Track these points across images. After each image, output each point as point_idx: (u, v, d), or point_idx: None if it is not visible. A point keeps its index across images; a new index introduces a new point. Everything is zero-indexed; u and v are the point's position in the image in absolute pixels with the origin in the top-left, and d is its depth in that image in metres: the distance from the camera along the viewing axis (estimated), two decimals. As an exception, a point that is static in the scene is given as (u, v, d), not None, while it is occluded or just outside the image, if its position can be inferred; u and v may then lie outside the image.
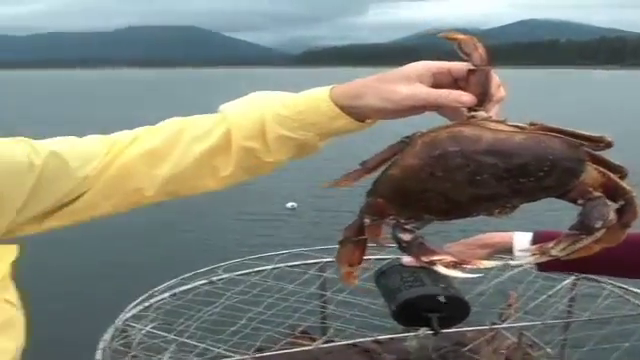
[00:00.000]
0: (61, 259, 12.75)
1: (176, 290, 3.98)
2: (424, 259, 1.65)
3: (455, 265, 1.64)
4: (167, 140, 1.89)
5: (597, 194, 1.61)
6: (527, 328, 3.39)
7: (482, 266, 1.64)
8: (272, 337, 3.64)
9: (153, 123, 1.95)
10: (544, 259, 1.65)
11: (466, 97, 1.65)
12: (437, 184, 1.61)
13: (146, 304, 3.86)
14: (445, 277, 2.91)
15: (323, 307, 4.08)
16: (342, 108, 1.74)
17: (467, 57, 1.68)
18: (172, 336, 3.61)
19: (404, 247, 1.72)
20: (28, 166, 1.83)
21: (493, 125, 1.62)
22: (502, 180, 1.58)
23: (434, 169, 1.60)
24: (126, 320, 3.72)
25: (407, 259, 2.92)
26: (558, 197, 1.67)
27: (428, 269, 2.88)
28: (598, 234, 1.59)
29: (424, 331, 3.47)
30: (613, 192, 1.63)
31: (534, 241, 2.98)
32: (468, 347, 3.46)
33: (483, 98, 1.67)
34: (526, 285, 3.78)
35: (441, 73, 1.69)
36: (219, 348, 3.51)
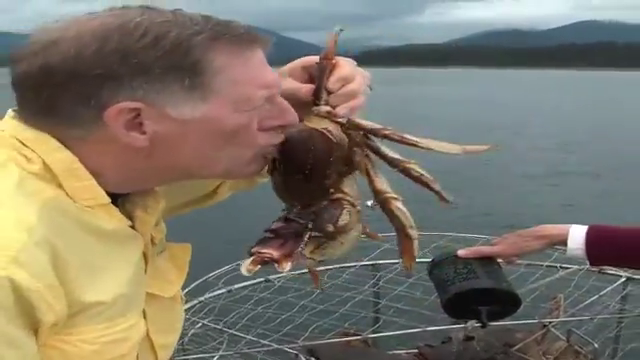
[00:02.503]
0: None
1: (232, 287, 4.02)
2: (253, 249, 1.58)
3: (266, 262, 1.55)
4: None
5: (337, 196, 1.61)
6: (577, 326, 3.36)
7: (284, 269, 1.57)
8: (323, 329, 3.66)
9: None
10: (303, 260, 1.60)
11: (303, 89, 1.69)
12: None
13: (200, 298, 3.91)
14: (498, 271, 2.95)
15: (376, 301, 4.10)
16: None
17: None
18: (222, 327, 3.65)
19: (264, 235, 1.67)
20: None
21: (313, 119, 1.65)
22: (290, 174, 1.60)
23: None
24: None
25: (462, 251, 2.96)
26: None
27: (482, 261, 2.94)
28: (342, 239, 1.59)
29: (472, 324, 3.47)
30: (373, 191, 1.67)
31: (588, 235, 2.98)
32: (517, 347, 3.45)
33: (319, 91, 1.69)
34: (577, 283, 3.75)
35: (311, 67, 1.72)
36: (268, 339, 3.54)
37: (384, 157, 1.69)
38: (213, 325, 3.71)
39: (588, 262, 3.10)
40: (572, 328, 3.32)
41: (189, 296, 3.87)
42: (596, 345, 3.16)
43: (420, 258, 4.06)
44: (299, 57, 1.77)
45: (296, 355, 3.41)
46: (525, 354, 3.40)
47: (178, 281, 1.72)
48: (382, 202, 1.67)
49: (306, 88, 1.69)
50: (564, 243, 3.04)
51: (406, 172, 1.67)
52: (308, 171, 1.58)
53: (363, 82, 1.73)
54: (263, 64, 1.48)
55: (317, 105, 1.68)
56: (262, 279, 4.12)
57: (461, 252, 2.98)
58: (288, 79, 1.71)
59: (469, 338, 3.57)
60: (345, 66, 1.71)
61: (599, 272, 3.23)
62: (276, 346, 3.44)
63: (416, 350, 3.72)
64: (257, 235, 1.59)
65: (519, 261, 3.41)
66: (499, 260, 3.00)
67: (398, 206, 1.67)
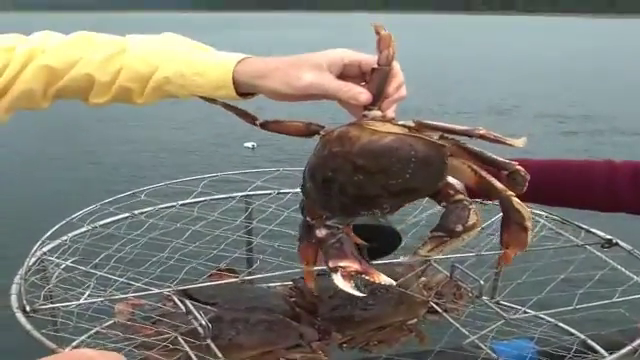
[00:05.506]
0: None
1: (96, 224, 3.82)
2: (330, 264, 1.68)
3: (355, 275, 1.68)
4: (67, 60, 1.89)
5: (458, 197, 1.69)
6: (460, 261, 3.32)
7: (382, 281, 1.75)
8: (196, 270, 3.52)
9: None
10: (417, 258, 1.83)
11: (364, 96, 1.70)
12: (329, 184, 1.65)
13: (64, 238, 3.70)
14: None
15: (249, 238, 3.97)
16: (242, 84, 1.77)
17: (378, 53, 1.72)
18: (89, 269, 3.47)
19: (317, 243, 1.78)
20: None
21: (378, 125, 1.66)
22: (375, 182, 1.62)
23: (324, 169, 1.65)
24: (43, 254, 3.56)
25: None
26: (431, 198, 1.78)
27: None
28: (466, 236, 1.68)
29: (352, 263, 3.38)
30: (487, 192, 1.73)
31: None
32: (398, 282, 3.39)
33: (379, 97, 1.71)
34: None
35: (352, 64, 1.72)
36: (139, 282, 3.38)
37: (490, 161, 1.72)
38: (79, 267, 3.51)
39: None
40: (455, 263, 3.28)
41: (52, 239, 3.67)
42: (482, 282, 3.13)
43: (295, 189, 3.98)
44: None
45: (168, 297, 3.26)
46: (406, 289, 3.36)
47: None
48: (504, 199, 1.72)
49: (367, 95, 1.69)
50: None
51: (513, 176, 1.72)
52: (409, 174, 1.61)
53: None
54: None
55: (369, 110, 1.72)
56: (127, 214, 3.93)
57: None
58: (326, 74, 1.69)
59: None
60: (399, 71, 1.73)
61: (480, 204, 3.18)
62: (148, 289, 3.28)
63: (291, 283, 3.63)
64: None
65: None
66: None
67: (518, 201, 1.72)
